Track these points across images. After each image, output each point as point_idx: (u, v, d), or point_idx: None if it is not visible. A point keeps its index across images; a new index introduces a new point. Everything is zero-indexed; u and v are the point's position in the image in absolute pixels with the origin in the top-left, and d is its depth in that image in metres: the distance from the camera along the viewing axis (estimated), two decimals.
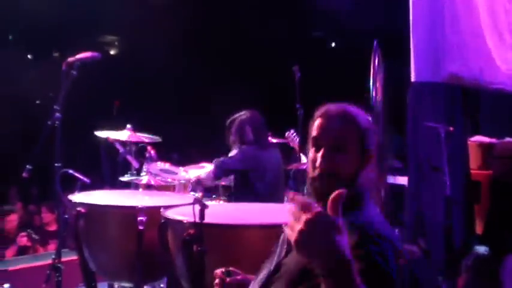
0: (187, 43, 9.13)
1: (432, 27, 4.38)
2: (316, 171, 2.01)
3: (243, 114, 5.14)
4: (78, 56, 4.03)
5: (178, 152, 8.83)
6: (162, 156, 5.48)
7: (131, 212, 3.55)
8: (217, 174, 5.03)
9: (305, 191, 5.93)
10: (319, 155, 2.01)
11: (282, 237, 2.26)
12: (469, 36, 4.65)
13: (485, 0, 4.86)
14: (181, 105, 9.36)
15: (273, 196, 4.88)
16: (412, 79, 4.42)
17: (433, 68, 4.42)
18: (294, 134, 5.75)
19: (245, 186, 5.04)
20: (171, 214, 3.21)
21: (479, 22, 4.74)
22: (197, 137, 8.68)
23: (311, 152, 2.05)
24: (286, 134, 5.85)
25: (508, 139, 6.31)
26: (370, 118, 2.17)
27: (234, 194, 5.25)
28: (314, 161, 2.03)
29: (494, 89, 5.02)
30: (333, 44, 12.05)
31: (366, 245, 1.78)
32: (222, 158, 5.09)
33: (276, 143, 5.85)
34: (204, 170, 5.33)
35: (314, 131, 2.08)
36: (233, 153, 5.12)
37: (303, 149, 5.95)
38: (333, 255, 1.53)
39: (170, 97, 9.34)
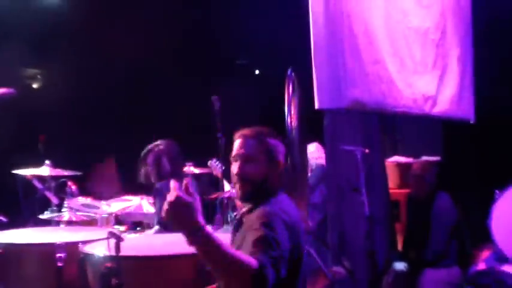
0: (105, 77, 9.08)
1: (332, 56, 4.49)
2: (235, 178, 2.70)
3: (159, 145, 5.12)
4: None
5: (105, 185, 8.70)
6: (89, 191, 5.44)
7: (49, 248, 3.48)
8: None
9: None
10: (236, 165, 2.69)
11: None
12: (370, 63, 4.81)
13: (384, 29, 5.04)
14: (107, 139, 9.26)
15: None
16: (316, 107, 4.52)
17: (335, 95, 4.52)
18: (217, 162, 5.81)
19: None
20: (89, 249, 3.19)
21: (379, 50, 4.92)
22: (122, 169, 8.59)
23: (232, 165, 2.71)
24: (209, 163, 5.90)
25: (424, 158, 6.57)
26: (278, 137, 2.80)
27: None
28: (234, 170, 2.70)
29: (399, 112, 5.21)
30: (257, 72, 12.17)
31: (261, 221, 2.44)
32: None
33: (199, 173, 5.91)
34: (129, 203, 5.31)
35: (234, 149, 2.76)
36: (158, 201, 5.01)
37: (227, 177, 6.02)
38: (189, 226, 2.14)
39: (97, 130, 9.21)
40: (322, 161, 6.74)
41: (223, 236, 4.15)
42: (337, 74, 4.46)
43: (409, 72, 5.16)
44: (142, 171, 5.11)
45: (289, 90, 4.64)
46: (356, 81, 4.61)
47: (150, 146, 5.12)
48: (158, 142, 5.15)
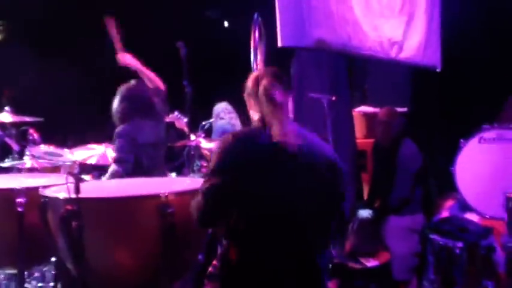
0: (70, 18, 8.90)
1: None
2: None
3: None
4: None
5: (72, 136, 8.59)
6: (55, 140, 5.34)
7: (9, 194, 3.42)
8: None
9: (197, 165, 5.95)
10: None
11: None
12: (335, 3, 4.76)
13: None
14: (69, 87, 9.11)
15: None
16: (279, 44, 4.47)
17: (299, 34, 4.48)
18: (178, 115, 5.76)
19: None
20: (49, 193, 3.13)
21: None
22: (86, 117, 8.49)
23: None
24: (170, 116, 5.83)
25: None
26: None
27: None
28: None
29: (364, 55, 5.19)
30: (226, 24, 12.04)
31: None
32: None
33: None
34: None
35: None
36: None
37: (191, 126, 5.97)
38: None
39: (65, 80, 9.06)
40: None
41: (187, 180, 4.15)
42: (301, 12, 4.41)
43: (375, 15, 5.13)
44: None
45: (255, 35, 4.57)
46: (320, 20, 4.56)
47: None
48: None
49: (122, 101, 4.77)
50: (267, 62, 4.97)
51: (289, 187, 2.65)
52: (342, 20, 4.79)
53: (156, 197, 2.88)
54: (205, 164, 5.98)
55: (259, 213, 2.64)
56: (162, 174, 4.80)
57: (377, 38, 5.16)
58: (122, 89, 4.83)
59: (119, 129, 4.73)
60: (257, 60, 4.62)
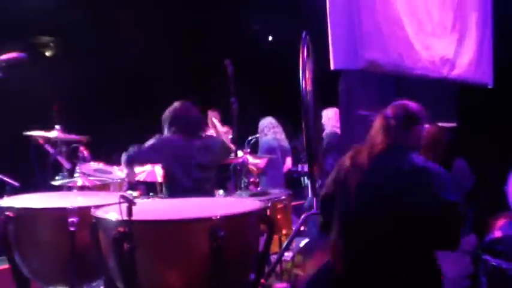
0: (121, 42, 9.03)
1: (349, 15, 4.44)
2: None
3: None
4: (3, 57, 3.94)
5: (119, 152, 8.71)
6: (102, 157, 5.42)
7: (62, 213, 3.47)
8: None
9: (244, 183, 5.97)
10: None
11: None
12: (387, 24, 4.73)
13: None
14: (122, 106, 9.25)
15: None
16: (331, 67, 4.46)
17: (351, 56, 4.47)
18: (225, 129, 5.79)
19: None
20: (101, 213, 3.16)
21: (396, 11, 4.83)
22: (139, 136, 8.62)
23: None
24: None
25: (438, 124, 6.48)
26: None
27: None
28: None
29: (416, 74, 5.14)
30: (270, 38, 12.09)
31: None
32: None
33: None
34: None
35: None
36: None
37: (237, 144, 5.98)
38: None
39: (111, 98, 9.21)
40: (336, 128, 6.69)
41: (237, 201, 4.16)
42: (353, 34, 4.40)
43: (427, 34, 5.08)
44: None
45: (303, 54, 4.56)
46: (372, 41, 4.55)
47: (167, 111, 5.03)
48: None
49: (170, 125, 4.83)
50: (315, 79, 4.96)
51: None
52: (394, 41, 4.76)
53: (208, 220, 2.89)
54: (252, 180, 5.99)
55: None
56: (210, 194, 4.83)
57: (429, 57, 5.10)
58: (166, 113, 4.91)
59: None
60: (305, 78, 4.61)
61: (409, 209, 3.16)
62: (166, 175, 4.77)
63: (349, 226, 3.34)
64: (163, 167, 4.78)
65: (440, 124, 5.80)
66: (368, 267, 3.24)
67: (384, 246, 3.20)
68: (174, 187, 4.69)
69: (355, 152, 3.48)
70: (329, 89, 5.41)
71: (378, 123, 3.54)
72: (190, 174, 4.74)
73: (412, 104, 3.62)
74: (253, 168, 6.83)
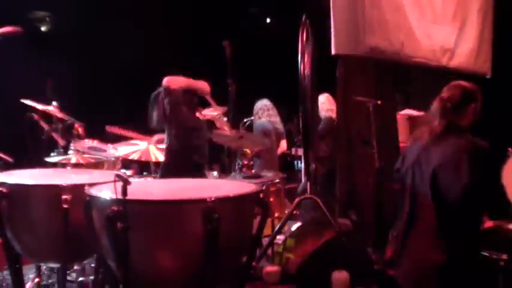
0: (117, 15, 8.97)
1: (352, 1, 4.42)
2: None
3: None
4: None
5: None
6: (97, 134, 5.40)
7: (55, 190, 3.46)
8: None
9: (238, 164, 5.96)
10: None
11: None
12: (390, 10, 4.71)
13: None
14: (118, 83, 9.21)
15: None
16: (332, 52, 4.45)
17: (353, 42, 4.46)
18: (220, 117, 5.77)
19: None
20: (95, 191, 3.14)
21: None
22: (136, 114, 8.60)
23: None
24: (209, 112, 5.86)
25: None
26: None
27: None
28: None
29: (416, 62, 5.12)
30: (268, 20, 12.02)
31: None
32: None
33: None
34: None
35: None
36: None
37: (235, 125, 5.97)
38: None
39: (106, 75, 9.16)
40: (331, 113, 6.67)
41: (231, 183, 4.16)
42: (356, 19, 4.39)
43: (428, 22, 5.06)
44: (154, 114, 5.04)
45: (302, 37, 4.53)
46: (375, 28, 4.54)
47: (159, 89, 5.03)
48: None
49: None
50: (313, 62, 4.94)
51: None
52: (395, 28, 4.74)
53: (202, 201, 2.86)
54: (245, 163, 5.99)
55: None
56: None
57: (430, 45, 5.08)
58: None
59: None
60: (304, 62, 4.59)
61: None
62: None
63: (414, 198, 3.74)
64: None
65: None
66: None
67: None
68: None
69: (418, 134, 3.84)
70: (325, 74, 5.40)
71: (435, 105, 3.78)
72: None
73: (466, 84, 3.76)
74: (247, 150, 6.82)
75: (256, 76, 9.15)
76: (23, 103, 4.99)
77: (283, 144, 8.00)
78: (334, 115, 6.53)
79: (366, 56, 4.65)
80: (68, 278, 4.50)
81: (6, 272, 4.33)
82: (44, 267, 4.55)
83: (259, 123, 7.66)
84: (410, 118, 6.59)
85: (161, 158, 5.38)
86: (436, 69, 5.47)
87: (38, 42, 8.43)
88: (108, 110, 7.98)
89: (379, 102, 4.80)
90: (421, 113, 6.51)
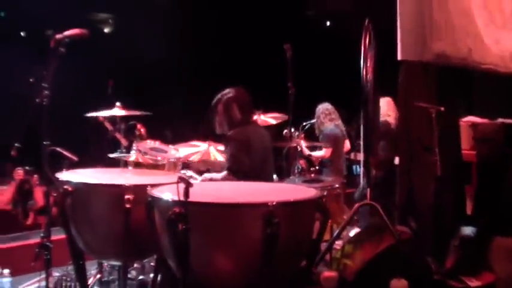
0: (178, 22, 9.07)
1: (420, 5, 4.34)
2: None
3: (228, 93, 5.05)
4: (66, 33, 3.95)
5: (171, 130, 8.81)
6: (154, 134, 5.47)
7: (118, 190, 3.53)
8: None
9: (298, 168, 5.95)
10: None
11: None
12: (457, 15, 4.60)
13: None
14: (175, 84, 9.32)
15: (261, 174, 4.84)
16: (398, 58, 4.38)
17: (419, 47, 4.38)
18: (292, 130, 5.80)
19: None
20: (157, 192, 3.18)
21: (467, 2, 4.70)
22: (190, 114, 8.67)
23: None
24: (285, 132, 5.89)
25: (500, 120, 6.31)
26: None
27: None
28: None
29: (484, 69, 4.99)
30: (328, 23, 11.98)
31: None
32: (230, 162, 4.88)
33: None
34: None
35: None
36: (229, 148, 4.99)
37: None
38: None
39: (165, 76, 9.28)
40: (388, 118, 6.58)
41: (292, 188, 4.15)
42: (423, 24, 4.31)
43: (497, 27, 4.92)
44: (216, 120, 5.07)
45: (365, 41, 4.48)
46: (442, 33, 4.44)
47: (219, 94, 5.06)
48: (227, 90, 5.08)
49: (226, 109, 4.86)
50: (376, 67, 4.88)
51: None
52: (463, 33, 4.63)
53: (263, 205, 2.88)
54: (312, 168, 5.96)
55: None
56: (270, 178, 4.85)
57: (498, 51, 4.94)
58: (221, 97, 4.93)
59: (232, 133, 4.82)
60: (366, 67, 4.53)
61: None
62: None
63: None
64: None
65: (500, 120, 5.66)
66: None
67: None
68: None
69: None
70: (387, 78, 5.34)
71: None
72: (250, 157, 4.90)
73: None
74: (308, 152, 6.83)
75: (316, 80, 9.11)
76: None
77: (347, 144, 8.02)
78: (391, 120, 6.45)
79: (432, 62, 4.56)
80: (129, 275, 4.56)
81: (70, 267, 4.41)
82: (106, 264, 4.63)
83: (329, 130, 7.61)
84: (473, 125, 6.44)
85: (221, 159, 5.40)
86: (504, 76, 5.31)
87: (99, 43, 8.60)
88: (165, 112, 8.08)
89: (442, 108, 4.72)
90: (484, 120, 6.35)
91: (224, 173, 4.78)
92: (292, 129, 5.94)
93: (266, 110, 6.24)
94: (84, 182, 3.70)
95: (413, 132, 5.21)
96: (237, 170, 4.67)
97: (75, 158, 4.07)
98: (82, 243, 3.74)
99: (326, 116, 7.70)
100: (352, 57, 5.15)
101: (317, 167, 5.92)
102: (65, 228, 3.74)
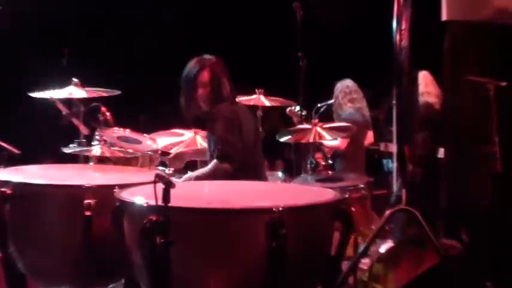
0: None
1: None
2: None
3: (211, 59, 5.04)
4: None
5: (146, 114, 8.82)
6: (124, 119, 5.46)
7: (76, 192, 3.51)
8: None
9: (312, 164, 5.96)
10: None
11: None
12: None
13: None
14: (149, 55, 9.33)
15: (253, 168, 4.84)
16: (443, 17, 4.37)
17: (473, 2, 4.36)
18: (298, 109, 5.79)
19: None
20: (127, 195, 3.16)
21: None
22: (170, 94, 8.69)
23: None
24: (288, 110, 5.87)
25: None
26: None
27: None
28: None
29: None
30: None
31: None
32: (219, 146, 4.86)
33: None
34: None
35: None
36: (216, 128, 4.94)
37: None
38: None
39: (134, 45, 9.29)
40: (427, 97, 6.56)
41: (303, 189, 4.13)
42: None
43: None
44: (196, 94, 5.03)
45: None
46: None
47: (197, 60, 5.03)
48: (208, 56, 5.06)
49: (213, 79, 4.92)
50: (412, 32, 4.87)
51: None
52: None
53: (267, 211, 2.86)
54: (323, 162, 5.96)
55: None
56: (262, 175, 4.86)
57: None
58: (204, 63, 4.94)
59: (217, 108, 4.83)
60: (400, 30, 4.51)
61: None
62: None
63: None
64: None
65: None
66: None
67: None
68: None
69: None
70: (426, 45, 5.34)
71: None
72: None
73: None
74: (326, 144, 6.80)
75: (334, 49, 9.10)
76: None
77: (370, 135, 7.95)
78: (432, 100, 6.44)
79: (490, 21, 4.53)
80: None
81: None
82: None
83: (346, 114, 7.59)
84: None
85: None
86: None
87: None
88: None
89: (503, 84, 4.69)
90: None
91: (211, 164, 4.75)
92: (304, 112, 5.91)
93: (268, 91, 6.23)
94: (28, 183, 3.67)
95: (464, 116, 5.19)
96: (230, 156, 4.65)
97: (16, 151, 4.04)
98: (24, 264, 3.70)
99: (345, 95, 7.65)
100: (381, 17, 5.13)
101: (329, 161, 5.91)
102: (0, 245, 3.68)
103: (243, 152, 4.80)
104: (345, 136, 7.01)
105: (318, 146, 6.26)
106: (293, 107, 5.94)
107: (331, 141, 7.21)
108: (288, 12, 5.62)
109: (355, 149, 7.49)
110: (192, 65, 5.05)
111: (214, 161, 4.76)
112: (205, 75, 4.99)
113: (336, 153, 7.41)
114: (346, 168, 7.17)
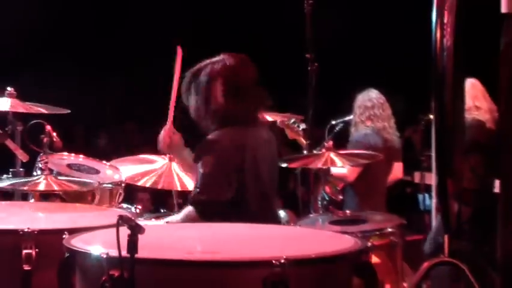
0: None
1: None
2: None
3: (220, 61, 4.98)
4: None
5: (106, 132, 8.86)
6: (76, 142, 5.49)
7: (11, 240, 3.52)
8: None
9: (324, 199, 6.00)
10: None
11: None
12: None
13: None
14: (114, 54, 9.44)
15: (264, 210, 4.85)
16: (502, 10, 4.42)
17: None
18: (295, 123, 5.84)
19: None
20: (80, 243, 3.17)
21: None
22: (136, 104, 8.74)
23: None
24: (280, 121, 5.97)
25: None
26: None
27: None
28: None
29: None
30: None
31: None
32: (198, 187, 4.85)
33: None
34: None
35: None
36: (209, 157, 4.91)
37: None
38: None
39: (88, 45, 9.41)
40: (478, 114, 6.62)
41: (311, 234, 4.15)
42: None
43: None
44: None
45: None
46: None
47: (201, 64, 5.01)
48: (220, 57, 5.01)
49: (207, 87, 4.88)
50: (458, 25, 4.91)
51: None
52: None
53: (264, 264, 2.87)
54: (334, 197, 5.99)
55: None
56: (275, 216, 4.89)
57: None
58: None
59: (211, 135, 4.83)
60: (442, 25, 4.55)
61: None
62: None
63: None
64: None
65: None
66: None
67: None
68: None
69: None
70: (476, 46, 5.38)
71: None
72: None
73: None
74: (338, 173, 6.81)
75: (354, 51, 9.18)
76: None
77: (398, 168, 7.87)
78: (483, 116, 6.50)
79: None
80: None
81: None
82: None
83: (360, 134, 7.53)
84: None
85: (191, 184, 5.39)
86: None
87: None
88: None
89: None
90: None
91: (185, 210, 4.73)
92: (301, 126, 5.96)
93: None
94: None
95: None
96: (207, 203, 4.64)
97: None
98: None
99: (365, 110, 7.58)
100: (416, 10, 5.18)
101: (340, 196, 5.94)
102: None
103: (251, 196, 4.78)
104: (355, 164, 6.84)
105: (324, 175, 6.26)
106: (286, 120, 5.96)
107: (337, 169, 7.03)
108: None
109: (369, 185, 7.36)
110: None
111: (187, 208, 4.71)
112: (217, 88, 4.91)
113: (345, 188, 7.32)
114: (357, 205, 7.09)
